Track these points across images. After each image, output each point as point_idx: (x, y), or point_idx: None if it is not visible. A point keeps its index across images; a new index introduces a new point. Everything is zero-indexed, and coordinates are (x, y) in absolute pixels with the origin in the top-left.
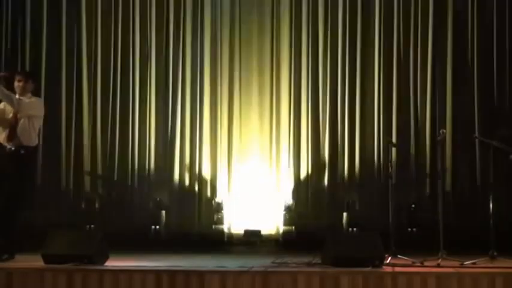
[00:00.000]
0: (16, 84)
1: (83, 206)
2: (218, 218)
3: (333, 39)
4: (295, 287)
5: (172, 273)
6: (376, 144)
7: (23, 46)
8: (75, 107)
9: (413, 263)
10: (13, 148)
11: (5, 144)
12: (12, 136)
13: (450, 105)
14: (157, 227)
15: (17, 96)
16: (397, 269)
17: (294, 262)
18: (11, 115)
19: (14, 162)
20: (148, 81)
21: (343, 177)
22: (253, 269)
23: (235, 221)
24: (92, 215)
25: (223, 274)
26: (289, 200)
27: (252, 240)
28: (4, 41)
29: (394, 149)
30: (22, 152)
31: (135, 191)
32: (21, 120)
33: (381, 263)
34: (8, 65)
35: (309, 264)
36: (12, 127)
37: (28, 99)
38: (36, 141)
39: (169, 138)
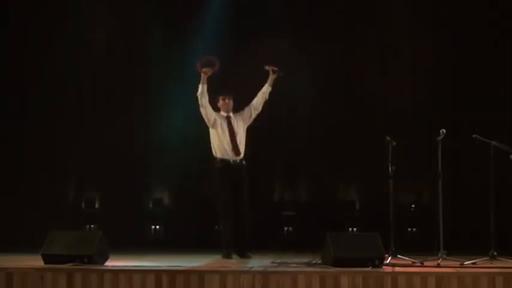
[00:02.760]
0: (222, 103)
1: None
2: None
3: (331, 38)
4: (295, 287)
5: (172, 273)
6: (376, 144)
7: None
8: (75, 108)
9: (413, 263)
10: (244, 162)
11: (235, 157)
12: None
13: (450, 105)
14: (157, 227)
15: (224, 113)
16: (397, 269)
17: (294, 262)
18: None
19: (245, 173)
20: (149, 82)
21: (343, 177)
22: (253, 269)
23: None
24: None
25: (223, 274)
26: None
27: None
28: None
29: (393, 149)
30: (244, 163)
31: (135, 191)
32: (239, 134)
33: (381, 263)
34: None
35: (309, 264)
36: (235, 141)
37: (234, 115)
38: None
39: (170, 138)
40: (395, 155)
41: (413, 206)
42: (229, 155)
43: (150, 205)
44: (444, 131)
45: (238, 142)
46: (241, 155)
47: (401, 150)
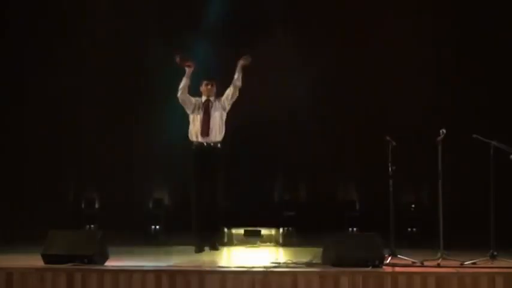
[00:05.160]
0: (204, 88)
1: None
2: None
3: (330, 38)
4: (295, 287)
5: (172, 273)
6: (376, 144)
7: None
8: (75, 108)
9: (413, 263)
10: (219, 145)
11: (209, 140)
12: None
13: (450, 105)
14: (157, 227)
15: (204, 97)
16: (397, 269)
17: (294, 262)
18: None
19: (220, 157)
20: (149, 83)
21: (343, 177)
22: (253, 269)
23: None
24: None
25: (223, 274)
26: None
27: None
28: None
29: (393, 149)
30: (219, 146)
31: (135, 191)
32: (215, 118)
33: (381, 263)
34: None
35: (309, 264)
36: (208, 122)
37: (215, 99)
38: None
39: (170, 138)
40: (395, 155)
41: (413, 206)
42: (202, 137)
43: (150, 205)
44: (444, 131)
45: (211, 125)
46: (216, 139)
47: (401, 150)
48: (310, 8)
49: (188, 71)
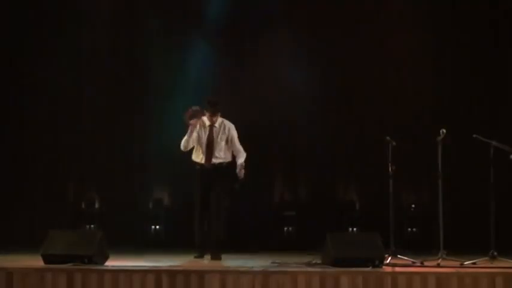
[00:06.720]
0: (209, 117)
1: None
2: None
3: (330, 37)
4: (295, 287)
5: (172, 273)
6: (376, 144)
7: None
8: (75, 107)
9: (413, 263)
10: (225, 164)
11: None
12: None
13: (450, 104)
14: (157, 227)
15: (208, 122)
16: (397, 269)
17: (294, 262)
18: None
19: (223, 176)
20: (149, 82)
21: (343, 177)
22: (253, 269)
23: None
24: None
25: (223, 274)
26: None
27: None
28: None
29: (393, 149)
30: (224, 165)
31: (135, 191)
32: (219, 143)
33: (381, 263)
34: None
35: (309, 264)
36: (209, 149)
37: (220, 124)
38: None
39: (170, 138)
40: (395, 155)
41: (413, 206)
42: (206, 159)
43: (150, 205)
44: (444, 131)
45: (214, 151)
46: (220, 160)
47: (401, 150)
48: (311, 7)
49: (191, 128)
